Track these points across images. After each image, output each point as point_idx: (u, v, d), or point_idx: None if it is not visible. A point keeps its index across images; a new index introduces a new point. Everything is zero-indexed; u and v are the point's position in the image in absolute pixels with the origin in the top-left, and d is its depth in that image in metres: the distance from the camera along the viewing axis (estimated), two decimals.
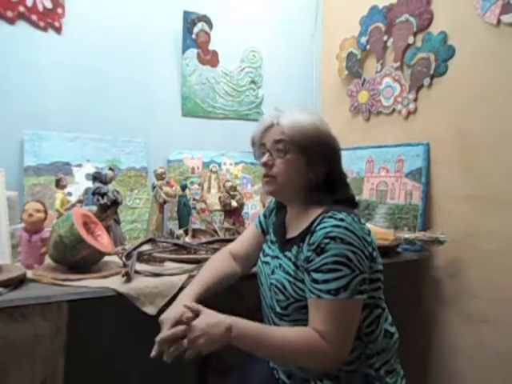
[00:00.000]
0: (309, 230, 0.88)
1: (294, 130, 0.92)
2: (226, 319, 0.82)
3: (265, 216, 1.14)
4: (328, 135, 0.96)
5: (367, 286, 0.86)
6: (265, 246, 1.07)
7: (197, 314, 0.83)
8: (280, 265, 0.95)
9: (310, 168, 0.93)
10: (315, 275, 0.84)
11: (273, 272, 0.96)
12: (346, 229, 0.83)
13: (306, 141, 0.92)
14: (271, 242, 1.05)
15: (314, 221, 0.88)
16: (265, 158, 0.94)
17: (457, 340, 1.49)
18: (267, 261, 1.02)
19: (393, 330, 0.98)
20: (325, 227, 0.84)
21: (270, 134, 0.95)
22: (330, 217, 0.85)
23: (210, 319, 0.82)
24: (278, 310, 0.93)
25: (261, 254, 1.07)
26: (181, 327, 0.81)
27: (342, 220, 0.84)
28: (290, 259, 0.92)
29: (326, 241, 0.82)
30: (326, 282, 0.82)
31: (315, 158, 0.93)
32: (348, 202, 0.95)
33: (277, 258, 0.98)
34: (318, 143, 0.93)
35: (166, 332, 0.81)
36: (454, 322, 1.50)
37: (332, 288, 0.81)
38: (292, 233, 0.97)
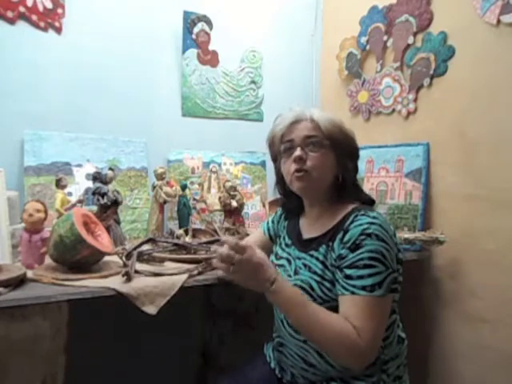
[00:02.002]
0: (339, 228, 0.88)
1: (330, 126, 0.92)
2: (276, 272, 0.83)
3: (273, 222, 1.14)
4: (353, 134, 0.97)
5: (398, 286, 0.86)
6: (277, 250, 1.07)
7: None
8: (305, 265, 0.93)
9: (339, 165, 0.94)
10: (349, 271, 0.82)
11: (296, 272, 0.95)
12: (381, 226, 0.83)
13: (340, 137, 0.93)
14: (286, 245, 1.04)
15: (344, 219, 0.88)
16: (298, 152, 0.91)
17: (457, 340, 1.49)
18: (282, 263, 1.01)
19: (403, 335, 0.98)
20: (360, 224, 0.83)
21: (299, 130, 0.94)
22: (363, 214, 0.85)
23: (266, 263, 0.83)
24: None
25: (273, 257, 1.06)
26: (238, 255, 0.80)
27: (375, 218, 0.84)
28: (317, 259, 0.91)
29: (362, 237, 0.82)
30: (360, 277, 0.81)
31: (344, 156, 0.94)
32: (370, 202, 0.96)
33: (298, 258, 0.96)
34: (348, 140, 0.95)
35: (225, 250, 0.80)
36: (453, 322, 1.50)
37: (367, 284, 0.80)
38: (312, 233, 0.96)
